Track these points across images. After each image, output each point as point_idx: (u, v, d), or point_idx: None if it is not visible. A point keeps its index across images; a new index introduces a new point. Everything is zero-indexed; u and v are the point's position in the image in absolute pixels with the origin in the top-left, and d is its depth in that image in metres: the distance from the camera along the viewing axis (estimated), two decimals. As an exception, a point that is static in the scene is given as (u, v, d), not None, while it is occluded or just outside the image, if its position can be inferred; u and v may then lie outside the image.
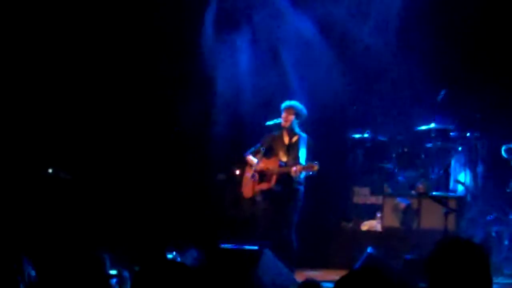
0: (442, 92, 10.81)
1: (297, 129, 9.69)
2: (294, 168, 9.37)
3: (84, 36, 11.45)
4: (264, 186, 9.68)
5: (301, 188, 9.59)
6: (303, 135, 9.69)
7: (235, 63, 11.48)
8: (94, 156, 11.52)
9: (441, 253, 3.45)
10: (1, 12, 11.12)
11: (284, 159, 9.67)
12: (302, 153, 9.55)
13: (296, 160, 9.53)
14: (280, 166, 9.62)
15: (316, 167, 9.23)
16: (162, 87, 11.57)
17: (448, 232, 9.79)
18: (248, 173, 9.79)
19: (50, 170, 11.00)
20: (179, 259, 9.57)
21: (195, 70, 11.45)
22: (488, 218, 10.70)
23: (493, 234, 10.46)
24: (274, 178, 9.61)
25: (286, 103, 9.68)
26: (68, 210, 10.68)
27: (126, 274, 8.58)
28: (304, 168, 9.35)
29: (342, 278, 3.23)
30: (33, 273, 4.33)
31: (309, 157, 9.51)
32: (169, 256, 9.37)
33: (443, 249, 3.46)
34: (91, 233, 10.08)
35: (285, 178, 9.53)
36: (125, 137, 11.64)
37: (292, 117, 9.62)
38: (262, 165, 9.68)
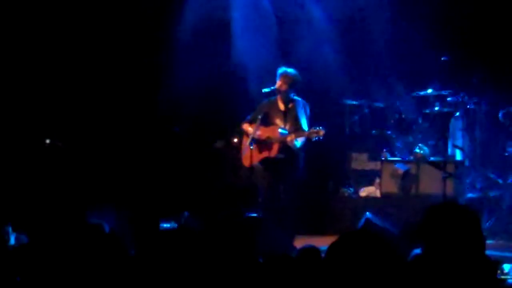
0: (443, 58, 10.79)
1: (291, 95, 9.63)
2: (298, 138, 9.37)
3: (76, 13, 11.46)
4: (266, 154, 9.64)
5: (302, 154, 9.57)
6: (298, 99, 9.62)
7: (228, 32, 11.41)
8: (91, 125, 11.52)
9: (430, 219, 3.48)
10: None
11: (282, 125, 9.62)
12: (303, 119, 9.50)
13: (297, 127, 9.48)
14: (282, 134, 9.57)
15: (322, 132, 9.19)
16: (157, 54, 11.52)
17: (447, 197, 9.80)
18: (246, 142, 9.73)
19: (47, 141, 10.99)
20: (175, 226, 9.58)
21: (191, 39, 11.40)
22: (486, 182, 10.72)
23: (491, 198, 10.48)
24: (276, 146, 9.58)
25: (281, 70, 9.60)
26: (63, 177, 10.70)
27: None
28: (309, 134, 9.32)
29: (336, 241, 3.20)
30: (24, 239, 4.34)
31: (308, 121, 9.48)
32: (167, 225, 9.36)
33: (432, 215, 3.50)
34: (86, 201, 10.10)
35: (287, 146, 9.51)
36: (122, 106, 11.62)
37: (286, 85, 9.55)
38: (260, 134, 9.62)
